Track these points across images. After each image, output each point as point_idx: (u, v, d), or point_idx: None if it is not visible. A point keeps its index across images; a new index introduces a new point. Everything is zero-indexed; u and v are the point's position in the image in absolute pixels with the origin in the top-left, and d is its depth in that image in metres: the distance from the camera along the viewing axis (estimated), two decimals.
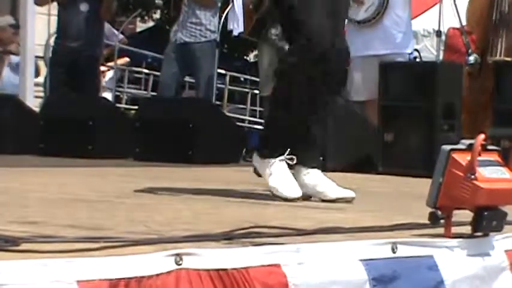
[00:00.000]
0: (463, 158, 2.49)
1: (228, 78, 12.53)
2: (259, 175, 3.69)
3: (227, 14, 8.00)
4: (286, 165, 3.64)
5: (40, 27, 9.40)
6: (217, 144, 6.60)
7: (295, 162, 3.63)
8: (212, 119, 7.05)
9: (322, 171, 3.71)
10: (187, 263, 1.96)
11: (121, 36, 10.13)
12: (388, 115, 5.90)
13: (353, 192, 3.57)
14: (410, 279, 2.34)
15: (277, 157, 3.60)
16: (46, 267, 1.82)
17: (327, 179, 3.64)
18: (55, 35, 8.59)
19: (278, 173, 3.59)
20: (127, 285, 1.86)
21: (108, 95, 10.72)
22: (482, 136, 2.48)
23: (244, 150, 7.55)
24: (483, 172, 2.48)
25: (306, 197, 3.60)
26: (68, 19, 8.23)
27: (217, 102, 10.20)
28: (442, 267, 2.40)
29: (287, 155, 3.63)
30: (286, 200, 3.52)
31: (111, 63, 10.78)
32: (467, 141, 2.50)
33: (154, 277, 1.91)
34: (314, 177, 3.63)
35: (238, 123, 9.90)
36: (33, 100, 8.85)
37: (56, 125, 6.88)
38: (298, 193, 3.55)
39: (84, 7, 8.14)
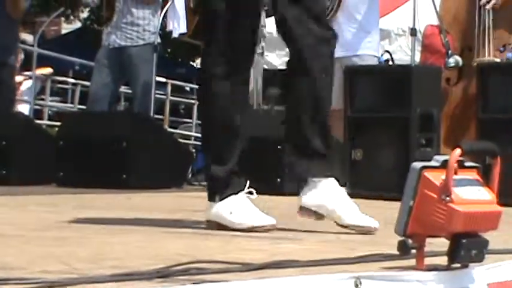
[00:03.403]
0: (437, 177, 2.51)
1: (169, 87, 12.54)
2: (220, 226, 3.65)
3: (166, 12, 8.04)
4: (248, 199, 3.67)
5: None
6: (156, 166, 6.60)
7: (255, 196, 3.67)
8: (151, 135, 7.05)
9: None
10: None
11: None
12: (355, 128, 5.94)
13: (377, 222, 3.58)
14: None
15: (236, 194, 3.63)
16: None
17: (346, 197, 3.67)
18: None
19: (240, 207, 3.61)
20: None
21: (25, 109, 10.70)
22: (458, 151, 2.50)
23: (190, 171, 7.57)
24: (460, 193, 2.50)
25: (319, 217, 3.63)
26: None
27: (158, 116, 10.22)
28: None
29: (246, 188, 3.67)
30: (249, 229, 3.53)
31: (29, 72, 10.75)
32: (442, 157, 2.52)
33: None
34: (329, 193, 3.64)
35: (182, 140, 9.93)
36: None
37: None
38: (270, 220, 3.57)
39: None
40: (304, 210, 3.67)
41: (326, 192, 3.63)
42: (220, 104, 3.73)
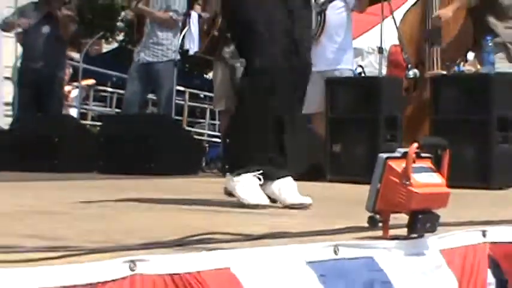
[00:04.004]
0: (399, 165, 2.51)
1: (187, 94, 12.53)
2: (230, 194, 3.67)
3: (184, 34, 8.04)
4: (257, 180, 3.65)
5: (9, 50, 9.34)
6: (177, 157, 6.60)
7: (262, 180, 3.66)
8: (172, 133, 7.04)
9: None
10: (141, 268, 1.96)
11: None
12: (335, 127, 5.94)
13: (310, 199, 3.57)
14: (352, 279, 2.36)
15: (247, 173, 3.61)
16: (8, 276, 1.82)
17: (291, 186, 3.65)
18: (21, 57, 8.55)
19: (247, 186, 3.60)
20: None
21: (73, 112, 10.69)
22: (415, 145, 2.51)
23: (204, 162, 7.56)
24: (417, 178, 2.50)
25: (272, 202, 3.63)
26: (31, 42, 8.21)
27: (178, 118, 10.20)
28: (381, 267, 2.43)
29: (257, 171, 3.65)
30: (254, 207, 3.52)
31: (76, 83, 10.75)
32: (402, 150, 2.52)
33: (110, 283, 1.90)
34: (279, 184, 3.65)
35: (197, 137, 9.92)
36: (4, 119, 8.79)
37: (25, 142, 6.83)
38: (265, 201, 3.57)
39: (45, 29, 8.12)
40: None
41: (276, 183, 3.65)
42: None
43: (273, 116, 3.71)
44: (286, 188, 3.65)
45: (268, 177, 3.67)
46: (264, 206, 3.55)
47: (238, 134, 3.82)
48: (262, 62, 3.58)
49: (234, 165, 3.70)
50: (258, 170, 3.66)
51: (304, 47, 3.78)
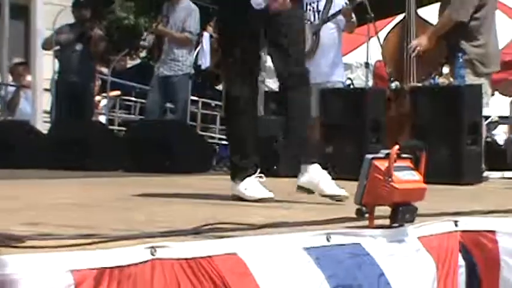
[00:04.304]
0: (382, 165, 2.51)
1: (200, 103, 12.52)
2: (239, 198, 3.62)
3: (198, 52, 8.04)
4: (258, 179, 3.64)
5: (47, 65, 9.37)
6: (191, 157, 6.59)
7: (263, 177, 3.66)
8: (187, 137, 7.04)
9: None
10: (160, 254, 1.96)
11: None
12: (328, 131, 5.92)
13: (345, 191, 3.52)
14: (342, 262, 2.35)
15: (250, 176, 3.61)
16: (46, 259, 1.82)
17: (327, 177, 3.62)
18: (57, 71, 8.58)
19: (251, 186, 3.59)
20: (111, 273, 1.86)
21: (102, 119, 10.70)
22: (396, 147, 2.51)
23: (214, 161, 7.56)
24: (398, 175, 2.50)
25: (310, 192, 3.60)
26: (67, 58, 8.24)
27: (192, 123, 10.19)
28: (368, 251, 2.42)
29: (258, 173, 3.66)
30: (258, 200, 3.50)
31: (104, 94, 10.77)
32: (385, 151, 2.52)
33: (133, 266, 1.91)
34: (316, 174, 3.60)
35: (209, 140, 9.90)
36: (43, 125, 8.80)
37: (61, 145, 6.84)
38: (269, 194, 3.54)
39: (79, 47, 8.15)
40: (299, 188, 3.66)
41: (313, 174, 3.61)
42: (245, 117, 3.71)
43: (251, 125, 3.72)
44: (324, 177, 3.61)
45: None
46: (270, 199, 3.52)
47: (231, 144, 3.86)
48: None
49: (235, 173, 3.68)
50: (256, 171, 3.65)
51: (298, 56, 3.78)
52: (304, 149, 3.67)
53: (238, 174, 3.65)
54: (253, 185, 3.60)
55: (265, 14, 3.53)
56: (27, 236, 2.05)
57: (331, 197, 3.53)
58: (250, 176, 3.62)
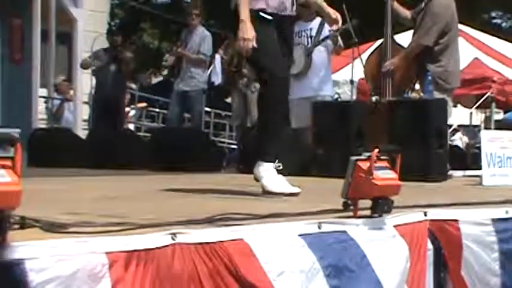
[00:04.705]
0: (365, 165, 2.50)
1: (212, 114, 12.54)
2: (257, 180, 3.47)
3: (211, 70, 8.05)
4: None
5: (86, 82, 9.40)
6: (205, 159, 6.58)
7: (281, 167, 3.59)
8: (201, 141, 7.03)
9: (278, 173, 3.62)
10: (180, 239, 1.96)
11: None
12: (318, 137, 5.91)
13: (298, 188, 3.46)
14: (331, 246, 2.35)
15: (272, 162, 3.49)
16: (85, 243, 1.82)
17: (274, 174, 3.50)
18: (94, 87, 8.61)
19: (273, 176, 3.45)
20: (138, 255, 1.86)
21: (131, 127, 10.73)
22: (376, 150, 2.50)
23: (224, 162, 7.54)
24: (378, 174, 2.49)
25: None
26: (102, 76, 8.27)
27: (206, 130, 10.20)
28: (352, 237, 2.42)
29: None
30: (277, 194, 3.37)
31: (133, 106, 10.80)
32: (367, 154, 2.52)
33: (157, 249, 1.90)
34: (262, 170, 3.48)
35: (219, 144, 9.89)
36: (82, 131, 8.82)
37: (98, 148, 6.84)
38: (292, 189, 3.40)
39: (112, 67, 8.16)
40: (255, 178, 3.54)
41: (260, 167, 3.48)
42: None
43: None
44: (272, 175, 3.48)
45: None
46: (293, 194, 3.39)
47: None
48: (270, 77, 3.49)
49: (265, 153, 3.49)
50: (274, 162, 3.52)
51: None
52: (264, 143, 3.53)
53: (266, 156, 3.48)
54: (272, 174, 3.45)
55: None
56: (69, 223, 2.05)
57: (281, 194, 3.36)
58: (273, 161, 3.50)
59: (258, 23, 3.43)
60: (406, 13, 6.01)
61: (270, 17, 3.50)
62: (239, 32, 3.40)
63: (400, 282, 2.46)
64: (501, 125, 7.27)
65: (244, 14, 3.41)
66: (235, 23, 3.43)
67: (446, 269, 2.76)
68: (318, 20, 6.60)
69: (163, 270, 1.88)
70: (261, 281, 2.05)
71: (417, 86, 6.20)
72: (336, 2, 6.22)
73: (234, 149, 10.64)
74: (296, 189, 3.43)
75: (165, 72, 19.96)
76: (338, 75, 8.64)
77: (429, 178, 5.14)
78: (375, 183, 2.44)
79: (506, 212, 2.94)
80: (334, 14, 3.76)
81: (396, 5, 5.93)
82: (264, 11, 3.49)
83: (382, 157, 2.54)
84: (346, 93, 8.31)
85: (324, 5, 3.84)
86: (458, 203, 3.13)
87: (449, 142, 6.37)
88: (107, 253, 1.80)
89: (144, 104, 12.50)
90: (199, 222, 2.22)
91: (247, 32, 3.38)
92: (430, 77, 5.78)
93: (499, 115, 8.81)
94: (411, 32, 6.11)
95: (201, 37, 7.62)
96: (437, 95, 5.75)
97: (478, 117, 9.99)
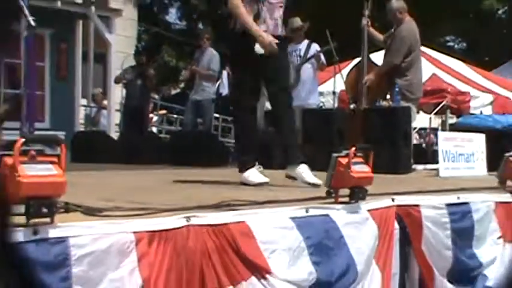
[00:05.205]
0: (344, 160, 2.49)
1: (221, 119, 12.49)
2: (244, 183, 3.53)
3: (219, 84, 8.05)
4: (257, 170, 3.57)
5: (118, 93, 9.41)
6: (214, 156, 6.56)
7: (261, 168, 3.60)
8: (211, 142, 7.02)
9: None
10: (193, 221, 1.96)
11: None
12: (307, 138, 5.86)
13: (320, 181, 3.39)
14: (316, 227, 2.35)
15: (252, 168, 3.55)
16: (116, 224, 1.82)
17: (309, 172, 3.48)
18: (124, 98, 8.61)
19: (253, 175, 3.52)
20: (159, 235, 1.86)
21: (154, 129, 10.71)
22: (353, 148, 2.50)
23: (230, 159, 7.53)
24: (355, 168, 2.47)
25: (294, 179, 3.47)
26: (131, 89, 8.26)
27: (215, 133, 10.16)
28: (334, 220, 2.42)
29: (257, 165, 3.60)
30: (257, 184, 3.41)
31: (156, 112, 10.78)
32: (346, 151, 2.52)
33: (174, 230, 1.91)
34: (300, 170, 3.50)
35: (226, 144, 9.87)
36: (114, 134, 8.82)
37: (128, 148, 6.82)
38: (265, 179, 3.45)
39: (139, 82, 8.17)
40: (288, 176, 3.56)
41: (299, 168, 3.52)
42: (248, 123, 3.61)
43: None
44: (307, 171, 3.52)
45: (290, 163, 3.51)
46: (265, 183, 3.46)
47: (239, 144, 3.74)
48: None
49: (242, 166, 3.58)
50: (255, 165, 3.56)
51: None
52: (293, 151, 3.58)
53: (244, 166, 3.56)
54: (254, 174, 3.53)
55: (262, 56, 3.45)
56: (104, 208, 2.06)
57: (310, 184, 3.46)
58: (252, 167, 3.56)
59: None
60: (379, 37, 6.02)
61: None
62: (262, 40, 3.35)
63: (369, 257, 2.46)
64: (454, 128, 7.27)
65: (254, 27, 3.37)
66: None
67: (410, 244, 2.77)
68: (305, 42, 6.61)
69: (179, 246, 1.89)
70: (258, 257, 2.06)
71: (388, 96, 6.20)
72: (320, 27, 6.25)
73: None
74: (265, 179, 3.45)
75: (182, 85, 19.92)
76: (322, 87, 8.61)
77: (396, 171, 5.14)
78: (352, 175, 2.45)
79: (458, 198, 2.96)
80: None
81: (371, 30, 5.94)
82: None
83: (358, 154, 2.55)
84: (329, 102, 8.29)
85: None
86: (420, 191, 3.13)
87: (413, 142, 6.36)
88: (133, 232, 1.81)
89: (164, 111, 12.46)
90: (209, 207, 2.23)
91: (266, 37, 3.36)
92: (397, 89, 5.82)
93: (452, 120, 8.81)
94: (383, 52, 6.11)
95: (211, 56, 7.62)
96: (403, 103, 5.78)
97: (436, 122, 9.99)
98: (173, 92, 20.36)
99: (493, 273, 2.97)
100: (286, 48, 3.70)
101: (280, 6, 3.52)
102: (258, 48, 3.41)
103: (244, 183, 3.53)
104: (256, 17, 3.45)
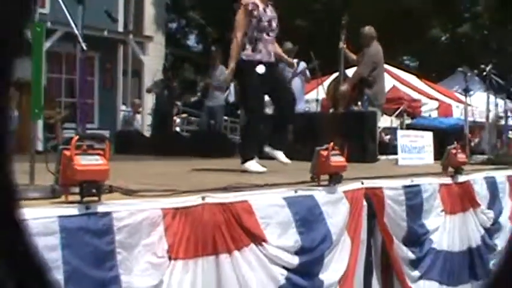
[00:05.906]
0: (324, 152, 2.46)
1: (229, 121, 12.44)
2: (245, 171, 3.51)
3: (227, 93, 8.03)
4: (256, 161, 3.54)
5: (149, 101, 9.40)
6: (224, 149, 6.54)
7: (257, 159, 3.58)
8: (222, 139, 7.00)
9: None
10: (207, 200, 1.96)
11: None
12: (296, 136, 5.83)
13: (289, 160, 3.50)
14: (303, 205, 2.33)
15: (252, 160, 3.53)
16: (148, 202, 1.83)
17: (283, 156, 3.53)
18: (154, 104, 8.60)
19: (253, 165, 3.51)
20: (181, 210, 1.87)
21: (178, 129, 10.69)
22: (332, 143, 2.48)
23: (237, 152, 7.49)
24: (333, 158, 2.45)
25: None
26: (160, 97, 8.25)
27: (225, 131, 10.12)
28: (316, 199, 2.42)
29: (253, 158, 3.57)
30: (259, 172, 3.40)
31: (179, 116, 10.75)
32: (326, 146, 2.50)
33: (193, 207, 1.91)
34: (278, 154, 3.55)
35: (234, 141, 9.83)
36: (147, 133, 8.81)
37: (158, 144, 6.81)
38: (264, 169, 3.46)
39: (166, 92, 8.18)
40: (267, 153, 3.57)
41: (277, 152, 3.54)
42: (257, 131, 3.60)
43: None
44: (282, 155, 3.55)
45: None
46: (263, 171, 3.47)
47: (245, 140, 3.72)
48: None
49: (245, 159, 3.56)
50: (254, 157, 3.54)
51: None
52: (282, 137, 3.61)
53: (246, 159, 3.53)
54: (253, 164, 3.49)
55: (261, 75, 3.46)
56: (138, 189, 2.06)
57: (283, 163, 3.47)
58: (252, 159, 3.53)
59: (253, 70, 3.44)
60: (353, 57, 6.05)
61: (264, 67, 3.50)
62: (229, 71, 3.46)
63: (342, 228, 2.47)
64: (410, 127, 7.34)
65: (232, 62, 3.44)
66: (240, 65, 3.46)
67: (375, 218, 2.77)
68: (295, 61, 6.56)
69: (197, 220, 1.90)
70: (256, 229, 2.07)
71: (359, 103, 6.19)
72: (304, 48, 6.24)
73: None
74: (263, 169, 3.43)
75: (199, 94, 19.87)
76: (308, 96, 8.60)
77: (365, 160, 5.13)
78: (331, 164, 2.44)
79: (412, 181, 2.97)
80: (289, 60, 3.94)
81: (347, 51, 5.97)
82: (260, 61, 3.48)
83: (336, 148, 2.54)
84: (313, 107, 8.28)
85: (283, 55, 3.82)
86: (383, 176, 3.13)
87: (378, 138, 6.34)
88: (161, 209, 1.81)
89: (185, 115, 12.45)
90: (219, 189, 2.23)
91: (230, 71, 3.46)
92: (366, 97, 5.85)
93: (408, 121, 8.89)
94: (355, 68, 6.13)
95: (221, 72, 7.59)
96: (370, 108, 5.80)
97: (396, 122, 10.01)
98: (192, 99, 20.33)
99: (436, 238, 3.00)
100: (277, 69, 3.80)
101: (272, 43, 3.57)
102: (259, 69, 3.43)
103: (245, 171, 3.50)
104: (254, 49, 3.48)
